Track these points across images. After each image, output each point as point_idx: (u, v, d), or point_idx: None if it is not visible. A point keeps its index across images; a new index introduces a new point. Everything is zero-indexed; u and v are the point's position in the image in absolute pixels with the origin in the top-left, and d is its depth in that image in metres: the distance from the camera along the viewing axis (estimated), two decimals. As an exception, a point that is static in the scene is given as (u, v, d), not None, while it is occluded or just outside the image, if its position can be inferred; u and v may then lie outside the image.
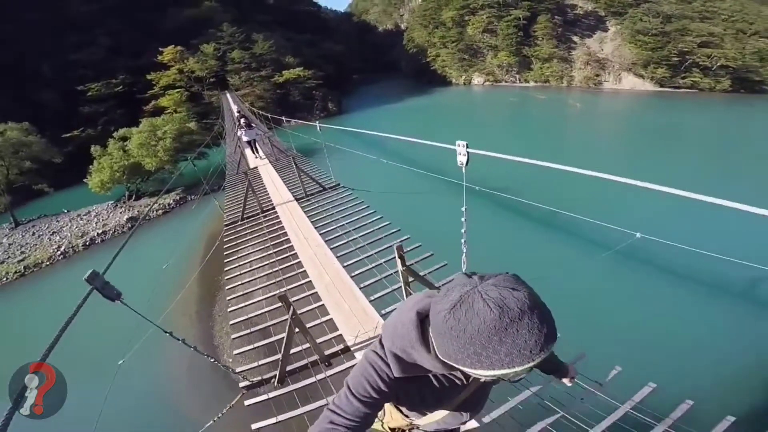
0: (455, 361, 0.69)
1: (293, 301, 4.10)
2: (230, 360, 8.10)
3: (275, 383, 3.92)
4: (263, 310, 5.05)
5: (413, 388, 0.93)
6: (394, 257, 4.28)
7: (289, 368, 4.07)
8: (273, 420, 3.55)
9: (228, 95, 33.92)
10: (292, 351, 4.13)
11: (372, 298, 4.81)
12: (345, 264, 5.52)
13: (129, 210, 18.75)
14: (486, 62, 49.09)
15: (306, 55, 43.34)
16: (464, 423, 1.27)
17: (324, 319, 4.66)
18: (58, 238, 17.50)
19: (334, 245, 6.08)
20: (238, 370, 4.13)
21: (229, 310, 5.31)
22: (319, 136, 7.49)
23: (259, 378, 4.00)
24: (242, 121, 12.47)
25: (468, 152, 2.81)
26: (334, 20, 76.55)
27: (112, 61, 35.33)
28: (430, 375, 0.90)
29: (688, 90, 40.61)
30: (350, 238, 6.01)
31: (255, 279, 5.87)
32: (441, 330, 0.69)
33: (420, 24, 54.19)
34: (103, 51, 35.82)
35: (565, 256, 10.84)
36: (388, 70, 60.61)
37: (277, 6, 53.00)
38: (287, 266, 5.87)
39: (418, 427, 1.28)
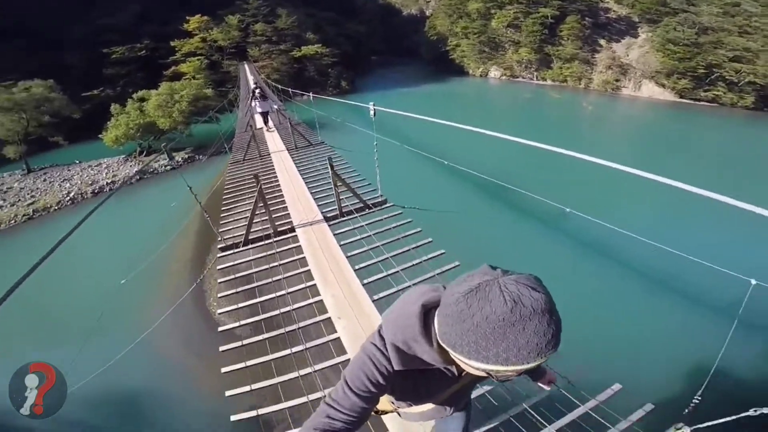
0: (453, 347, 0.69)
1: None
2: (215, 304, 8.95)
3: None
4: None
5: (409, 381, 0.92)
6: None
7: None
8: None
9: (246, 66, 34.42)
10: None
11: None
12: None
13: (139, 164, 19.69)
14: (506, 56, 48.39)
15: (327, 32, 43.44)
16: (444, 417, 1.30)
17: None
18: (68, 185, 18.54)
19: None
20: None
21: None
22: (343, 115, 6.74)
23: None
24: (257, 92, 12.01)
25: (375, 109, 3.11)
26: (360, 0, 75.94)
27: (138, 27, 35.96)
28: (427, 369, 0.88)
29: (708, 103, 39.64)
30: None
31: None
32: (449, 311, 0.69)
33: (444, 12, 53.35)
34: (131, 17, 36.44)
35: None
36: (407, 54, 60.12)
37: (305, -19, 52.81)
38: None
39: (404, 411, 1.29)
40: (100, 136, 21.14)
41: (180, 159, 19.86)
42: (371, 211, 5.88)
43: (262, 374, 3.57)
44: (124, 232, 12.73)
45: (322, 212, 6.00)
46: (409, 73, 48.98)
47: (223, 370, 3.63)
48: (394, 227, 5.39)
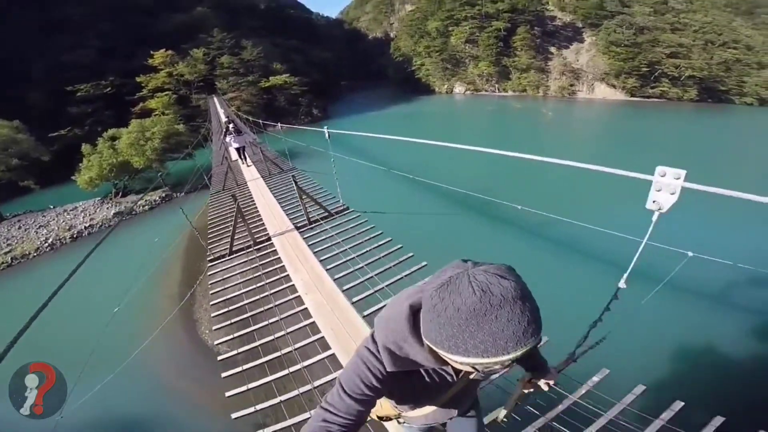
0: (433, 342, 0.70)
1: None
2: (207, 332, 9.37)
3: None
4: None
5: (406, 383, 0.92)
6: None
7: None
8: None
9: (215, 99, 35.00)
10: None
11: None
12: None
13: (116, 206, 19.72)
14: (467, 72, 51.12)
15: (294, 61, 44.65)
16: (451, 418, 1.31)
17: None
18: (45, 231, 18.35)
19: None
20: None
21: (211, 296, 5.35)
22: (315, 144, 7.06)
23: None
24: (230, 126, 11.83)
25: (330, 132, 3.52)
26: (325, 27, 78.08)
27: (102, 63, 35.84)
28: (422, 370, 0.89)
29: (657, 99, 42.58)
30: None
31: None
32: (426, 308, 0.70)
33: (407, 33, 56.13)
34: (94, 53, 36.30)
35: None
36: (375, 77, 62.15)
37: (268, 12, 54.37)
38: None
39: (403, 418, 1.30)
40: (73, 177, 20.98)
41: (158, 198, 20.08)
42: (334, 217, 6.74)
43: (258, 375, 3.93)
44: (111, 271, 12.89)
45: (292, 222, 6.95)
46: (378, 96, 50.80)
47: (227, 393, 3.78)
48: (357, 230, 6.25)
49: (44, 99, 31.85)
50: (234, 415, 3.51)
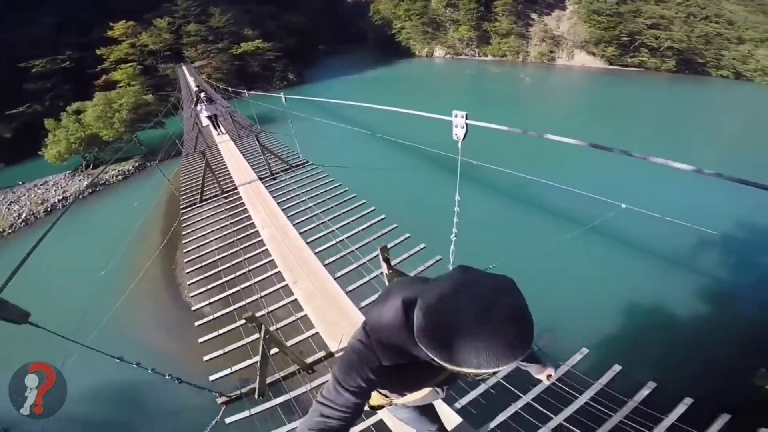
0: (427, 348, 0.70)
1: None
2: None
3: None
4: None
5: (399, 374, 0.92)
6: (377, 256, 3.65)
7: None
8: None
9: (184, 67, 33.39)
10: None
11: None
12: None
13: (88, 177, 19.31)
14: (448, 36, 50.03)
15: (267, 26, 42.51)
16: (439, 398, 1.35)
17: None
18: (17, 207, 17.91)
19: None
20: (211, 378, 3.73)
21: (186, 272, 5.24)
22: (284, 107, 6.60)
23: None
24: (202, 95, 11.58)
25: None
26: (300, -10, 74.01)
27: (57, 38, 33.48)
28: (414, 362, 0.89)
29: (635, 68, 42.95)
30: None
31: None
32: (423, 313, 0.71)
33: (385, -5, 53.91)
34: (49, 28, 33.75)
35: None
36: (355, 41, 60.04)
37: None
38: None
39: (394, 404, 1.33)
40: (40, 153, 20.31)
41: (131, 167, 19.70)
42: (294, 169, 7.32)
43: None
44: (95, 238, 12.90)
45: (257, 174, 7.60)
46: (357, 60, 49.36)
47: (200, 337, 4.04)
48: (316, 182, 6.75)
49: None
50: (211, 378, 3.58)
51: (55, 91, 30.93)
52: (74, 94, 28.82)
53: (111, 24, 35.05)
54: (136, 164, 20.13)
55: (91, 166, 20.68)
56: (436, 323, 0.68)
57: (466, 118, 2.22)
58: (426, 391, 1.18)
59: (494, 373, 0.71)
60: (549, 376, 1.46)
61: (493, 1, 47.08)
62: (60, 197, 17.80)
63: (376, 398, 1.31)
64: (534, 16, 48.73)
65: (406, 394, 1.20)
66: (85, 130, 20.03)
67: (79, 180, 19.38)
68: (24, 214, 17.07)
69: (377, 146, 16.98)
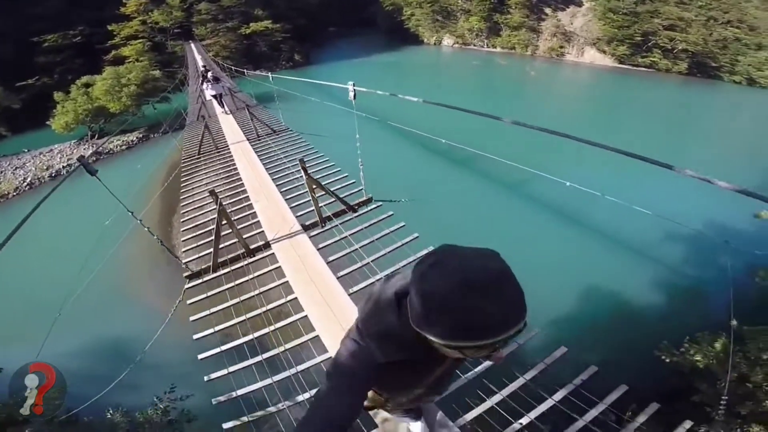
0: (420, 327, 0.70)
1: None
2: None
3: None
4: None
5: (394, 371, 0.89)
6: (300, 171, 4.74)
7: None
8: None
9: (192, 45, 33.54)
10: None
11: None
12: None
13: (92, 147, 19.92)
14: (458, 25, 49.55)
15: (278, 7, 42.38)
16: (432, 401, 1.31)
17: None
18: (22, 172, 18.58)
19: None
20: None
21: (181, 220, 6.53)
22: (282, 85, 7.26)
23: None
24: (209, 74, 11.62)
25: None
26: (313, -29, 73.28)
27: (71, 14, 33.85)
28: (411, 357, 0.86)
29: (645, 69, 42.18)
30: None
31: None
32: (413, 294, 0.70)
33: (398, -18, 53.31)
34: (63, 4, 34.11)
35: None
36: (364, 25, 59.57)
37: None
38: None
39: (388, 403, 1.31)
40: (48, 123, 20.92)
41: (135, 138, 20.27)
42: (277, 134, 7.05)
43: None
44: (100, 200, 13.45)
45: (245, 135, 7.24)
46: (365, 44, 49.11)
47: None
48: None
49: (9, 50, 30.31)
50: (200, 356, 3.69)
51: (65, 65, 31.44)
52: (84, 68, 29.16)
53: (124, 1, 35.29)
54: (140, 135, 20.71)
55: (96, 136, 21.28)
56: (430, 304, 0.67)
57: (354, 86, 3.64)
58: (419, 391, 1.16)
59: (493, 346, 0.67)
60: (499, 359, 1.38)
61: (507, -7, 46.44)
62: (65, 164, 18.41)
63: (370, 399, 1.27)
64: (548, 10, 48.05)
65: (400, 394, 1.18)
66: (93, 102, 20.60)
67: (84, 149, 19.97)
68: (29, 179, 17.72)
69: (362, 123, 16.92)
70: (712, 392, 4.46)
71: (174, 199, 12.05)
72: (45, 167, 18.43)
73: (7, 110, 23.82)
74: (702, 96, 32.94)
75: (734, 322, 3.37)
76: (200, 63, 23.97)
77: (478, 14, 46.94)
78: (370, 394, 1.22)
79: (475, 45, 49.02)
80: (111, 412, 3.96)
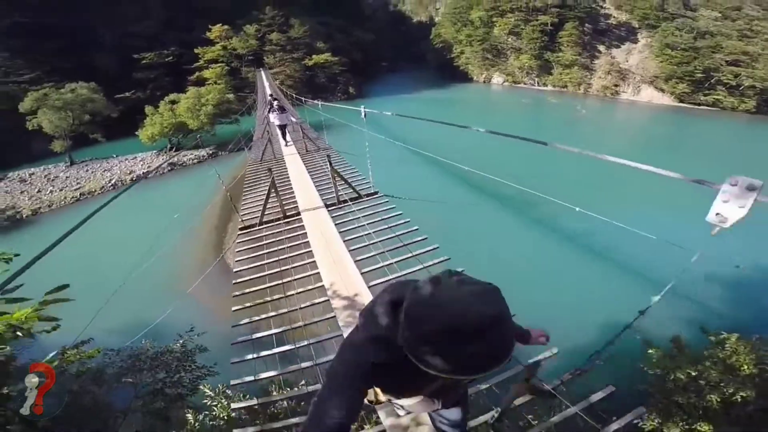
0: (408, 349, 0.72)
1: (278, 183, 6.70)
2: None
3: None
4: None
5: (391, 374, 0.92)
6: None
7: (264, 219, 6.52)
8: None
9: (262, 72, 37.48)
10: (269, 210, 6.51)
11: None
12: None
13: (169, 159, 22.74)
14: (508, 63, 50.37)
15: (338, 40, 46.35)
16: (435, 410, 1.40)
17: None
18: (108, 174, 21.74)
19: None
20: (240, 215, 6.87)
21: (243, 189, 8.10)
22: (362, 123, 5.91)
23: (249, 224, 6.67)
24: (275, 104, 11.68)
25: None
26: (372, 6, 78.73)
27: (165, 34, 39.26)
28: (405, 362, 0.83)
29: (708, 107, 39.84)
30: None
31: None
32: (406, 315, 0.73)
33: (449, 20, 55.78)
34: (158, 24, 39.84)
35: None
36: (415, 61, 62.44)
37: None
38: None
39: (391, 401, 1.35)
40: (136, 133, 24.42)
41: (205, 153, 22.92)
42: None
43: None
44: (164, 209, 15.50)
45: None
46: (415, 79, 51.40)
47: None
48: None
49: (112, 64, 35.55)
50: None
51: (157, 82, 36.42)
52: (171, 85, 33.59)
53: (210, 26, 40.68)
54: (210, 152, 23.36)
55: (174, 149, 24.22)
56: (414, 330, 0.70)
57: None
58: (419, 398, 1.19)
59: (475, 378, 0.70)
60: (542, 337, 1.40)
61: (559, 30, 46.89)
62: (145, 170, 21.22)
63: (378, 393, 1.31)
64: (602, 48, 47.53)
65: (400, 397, 1.22)
66: (176, 117, 23.70)
67: (162, 159, 22.84)
68: (113, 180, 20.66)
69: (448, 176, 17.82)
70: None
71: (226, 215, 13.70)
72: (128, 171, 21.43)
73: (107, 119, 27.63)
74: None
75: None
76: (268, 90, 26.77)
77: (529, 52, 47.59)
78: (381, 397, 1.29)
79: (525, 83, 49.44)
80: (144, 341, 4.58)
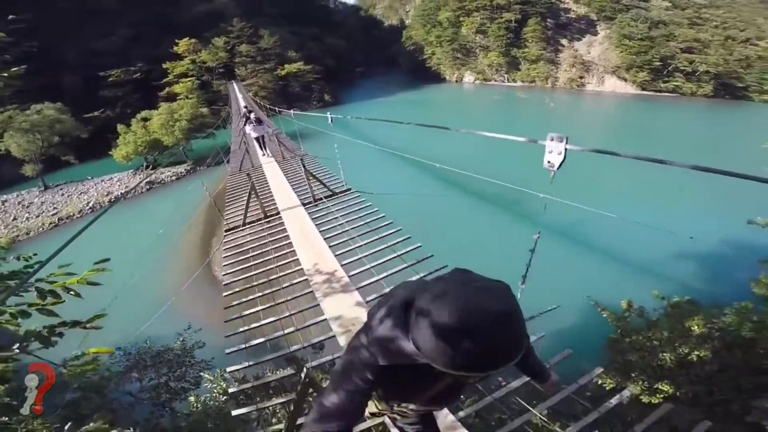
0: (419, 348, 0.72)
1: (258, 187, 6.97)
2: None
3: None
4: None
5: (396, 377, 0.91)
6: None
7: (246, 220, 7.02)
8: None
9: (234, 84, 37.24)
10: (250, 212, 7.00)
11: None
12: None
13: (147, 177, 22.49)
14: (477, 62, 51.86)
15: (310, 48, 46.46)
16: (441, 408, 1.34)
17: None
18: (86, 197, 21.31)
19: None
20: (224, 218, 7.31)
21: (226, 195, 8.33)
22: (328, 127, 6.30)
23: (233, 225, 7.07)
24: (252, 116, 11.70)
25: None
26: (342, 13, 79.15)
27: (131, 50, 38.37)
28: (412, 364, 0.85)
29: (669, 94, 42.06)
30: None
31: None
32: (417, 315, 0.73)
33: (419, 23, 56.98)
34: (123, 40, 38.84)
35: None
36: (388, 64, 63.10)
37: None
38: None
39: (395, 412, 1.33)
40: (110, 153, 23.93)
41: (183, 170, 22.79)
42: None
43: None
44: (151, 223, 15.40)
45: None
46: (390, 83, 52.11)
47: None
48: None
49: (78, 83, 34.39)
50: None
51: (126, 99, 35.57)
52: (141, 102, 32.97)
53: (176, 40, 40.10)
54: (188, 168, 23.22)
55: (151, 167, 23.95)
56: (426, 326, 0.69)
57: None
58: (423, 402, 1.17)
59: (486, 377, 0.72)
60: (552, 386, 1.43)
61: (523, 27, 48.59)
62: (122, 191, 20.93)
63: (375, 404, 1.31)
64: (564, 41, 49.48)
65: (403, 402, 1.20)
66: (150, 135, 23.45)
67: (140, 178, 22.60)
68: (92, 203, 20.28)
69: (415, 170, 18.50)
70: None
71: (210, 229, 13.85)
72: (105, 193, 21.08)
73: (77, 139, 26.83)
74: (729, 117, 32.09)
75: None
76: (242, 102, 26.76)
77: (496, 50, 49.14)
78: (374, 400, 1.28)
79: (495, 80, 50.96)
80: (147, 341, 5.02)
